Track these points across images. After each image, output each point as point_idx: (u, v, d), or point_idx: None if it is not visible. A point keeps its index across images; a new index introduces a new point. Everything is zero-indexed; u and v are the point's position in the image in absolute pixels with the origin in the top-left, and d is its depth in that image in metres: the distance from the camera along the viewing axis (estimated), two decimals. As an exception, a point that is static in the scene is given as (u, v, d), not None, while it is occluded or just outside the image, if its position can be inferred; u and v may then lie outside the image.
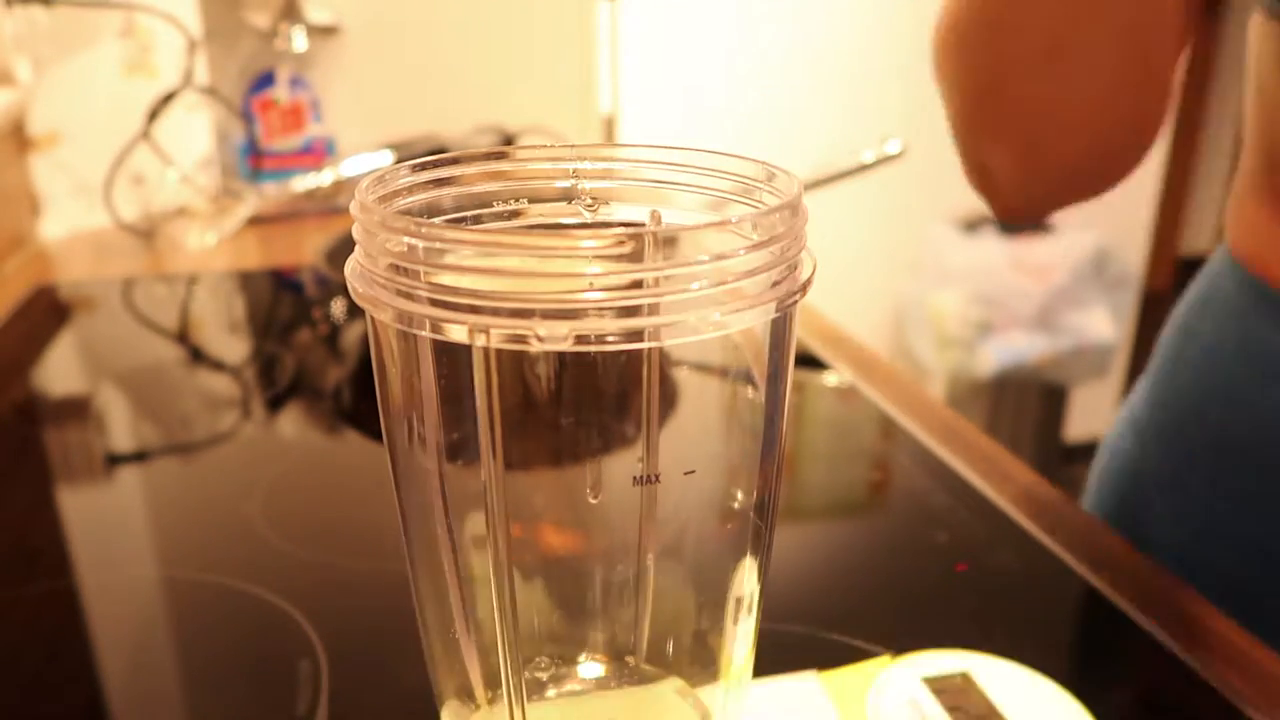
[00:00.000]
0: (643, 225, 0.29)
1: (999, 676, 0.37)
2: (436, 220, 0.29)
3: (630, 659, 0.32)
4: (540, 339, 0.22)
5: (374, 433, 0.54)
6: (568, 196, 0.30)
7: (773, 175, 0.27)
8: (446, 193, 0.29)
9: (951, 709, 0.35)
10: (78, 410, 0.66)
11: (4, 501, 0.54)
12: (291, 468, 0.57)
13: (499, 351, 0.24)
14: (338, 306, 0.83)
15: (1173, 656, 0.40)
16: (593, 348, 0.23)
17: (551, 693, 0.32)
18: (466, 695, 0.30)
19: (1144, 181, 1.92)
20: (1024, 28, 0.34)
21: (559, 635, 0.32)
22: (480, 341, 0.23)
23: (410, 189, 0.28)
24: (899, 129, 0.83)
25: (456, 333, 0.23)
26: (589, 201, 0.29)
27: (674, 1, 1.59)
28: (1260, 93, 0.46)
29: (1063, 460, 2.06)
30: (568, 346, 0.23)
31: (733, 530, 0.29)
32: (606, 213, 0.30)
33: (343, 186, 1.04)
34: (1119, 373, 2.06)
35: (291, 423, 0.65)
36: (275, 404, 0.67)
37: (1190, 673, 0.39)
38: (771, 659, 0.35)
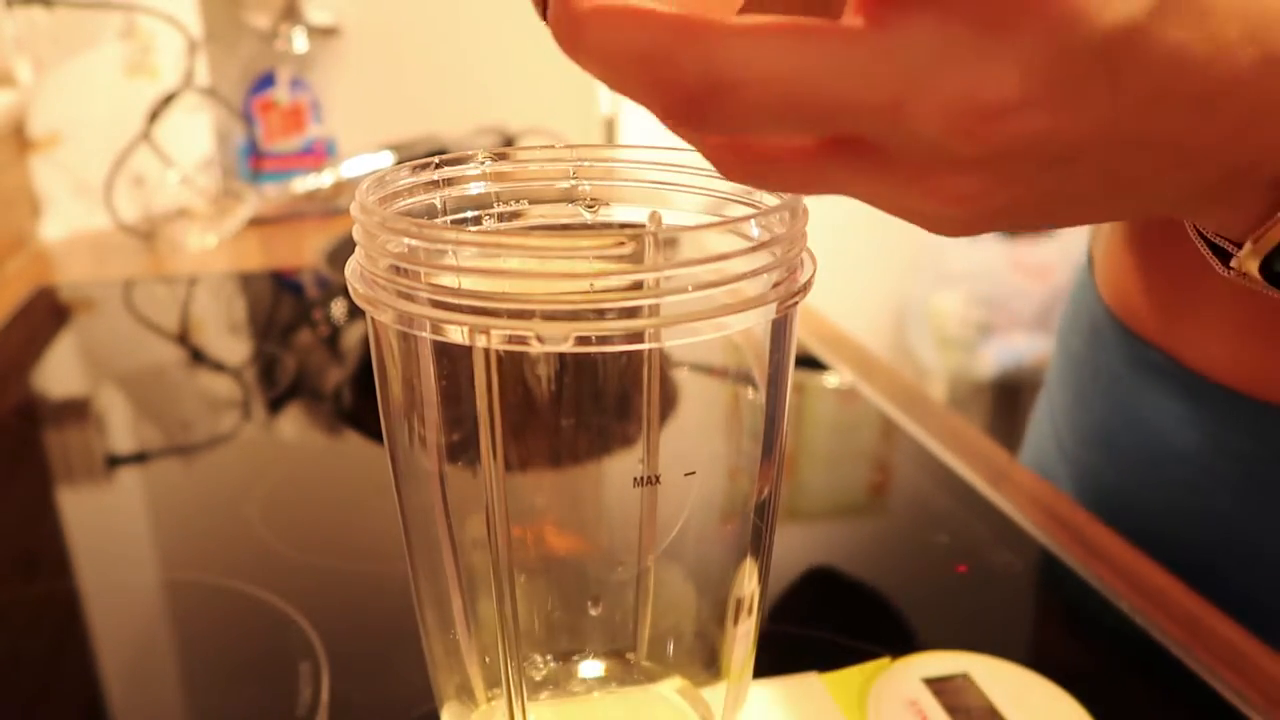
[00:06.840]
0: (643, 226, 0.30)
1: (999, 677, 0.37)
2: (436, 221, 0.29)
3: (631, 658, 0.32)
4: (540, 340, 0.22)
5: (374, 434, 0.54)
6: (568, 197, 0.30)
7: (773, 176, 0.27)
8: (447, 194, 0.29)
9: (951, 709, 0.35)
10: (78, 412, 0.66)
11: (4, 503, 0.54)
12: (292, 469, 0.57)
13: (499, 352, 0.24)
14: (338, 308, 0.83)
15: (1173, 656, 0.40)
16: (593, 349, 0.23)
17: (552, 692, 0.32)
18: (466, 695, 0.30)
19: (1144, 182, 1.92)
20: None
21: (560, 635, 0.32)
22: (480, 343, 0.23)
23: (410, 190, 0.28)
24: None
25: (456, 334, 0.23)
26: (589, 202, 0.29)
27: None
28: None
29: (1063, 461, 2.05)
30: (568, 348, 0.23)
31: (733, 531, 0.29)
32: (607, 214, 0.30)
33: (343, 188, 1.04)
34: (1119, 373, 2.06)
35: (292, 424, 0.65)
36: (276, 405, 0.67)
37: (1190, 673, 0.39)
38: (772, 659, 0.35)
